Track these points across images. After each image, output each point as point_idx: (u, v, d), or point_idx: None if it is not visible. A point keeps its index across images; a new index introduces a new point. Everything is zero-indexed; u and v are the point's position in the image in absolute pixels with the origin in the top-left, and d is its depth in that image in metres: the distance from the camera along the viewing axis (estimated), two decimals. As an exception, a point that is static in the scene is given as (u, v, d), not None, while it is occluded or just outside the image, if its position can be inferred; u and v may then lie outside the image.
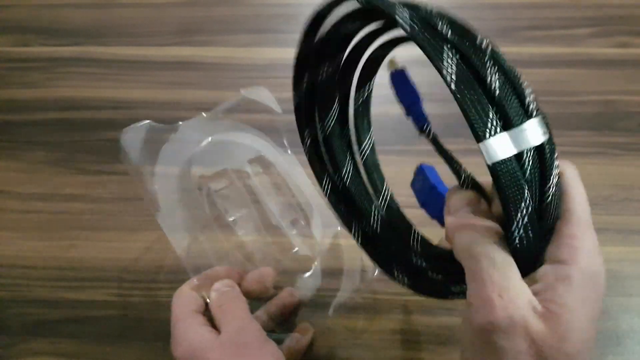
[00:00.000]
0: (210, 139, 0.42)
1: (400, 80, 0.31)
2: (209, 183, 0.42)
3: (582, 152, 0.46)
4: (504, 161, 0.22)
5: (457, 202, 0.24)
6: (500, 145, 0.22)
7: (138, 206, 0.45)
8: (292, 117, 0.37)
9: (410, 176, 0.46)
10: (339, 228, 0.41)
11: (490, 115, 0.22)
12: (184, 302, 0.34)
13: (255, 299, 0.36)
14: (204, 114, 0.41)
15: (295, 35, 0.53)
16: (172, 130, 0.40)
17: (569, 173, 0.25)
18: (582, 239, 0.23)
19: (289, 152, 0.43)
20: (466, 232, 0.24)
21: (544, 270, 0.23)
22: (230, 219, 0.42)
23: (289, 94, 0.50)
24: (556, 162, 0.24)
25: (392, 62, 0.31)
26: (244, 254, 0.41)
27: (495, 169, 0.22)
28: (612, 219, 0.43)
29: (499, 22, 0.53)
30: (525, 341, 0.21)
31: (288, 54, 0.52)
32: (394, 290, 0.41)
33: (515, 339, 0.21)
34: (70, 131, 0.49)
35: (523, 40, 0.52)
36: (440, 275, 0.29)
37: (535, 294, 0.22)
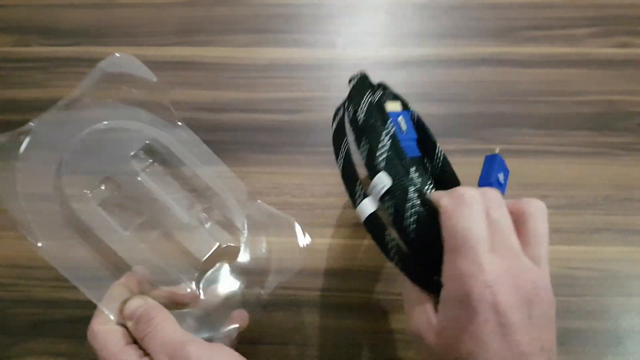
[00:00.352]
0: (78, 136, 0.34)
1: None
2: (88, 195, 0.34)
3: (582, 152, 0.46)
4: (368, 218, 0.30)
5: None
6: (363, 208, 0.30)
7: (138, 206, 0.45)
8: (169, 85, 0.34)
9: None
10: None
11: (356, 188, 0.31)
12: (105, 342, 0.30)
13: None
14: (58, 104, 0.34)
15: (295, 35, 0.54)
16: (24, 135, 0.32)
17: (443, 206, 0.27)
18: (448, 267, 0.26)
19: (180, 124, 0.37)
20: None
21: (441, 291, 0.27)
22: (127, 233, 0.34)
23: (289, 93, 0.50)
24: (410, 203, 0.28)
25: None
26: (156, 265, 0.34)
27: (365, 225, 0.30)
28: (612, 219, 0.43)
29: (499, 22, 0.53)
30: (426, 349, 0.27)
31: (288, 54, 0.52)
32: (393, 290, 0.41)
33: (420, 346, 0.27)
34: (70, 131, 0.49)
35: (523, 40, 0.52)
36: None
37: (437, 311, 0.27)
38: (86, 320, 0.41)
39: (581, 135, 0.47)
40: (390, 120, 0.32)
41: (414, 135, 0.36)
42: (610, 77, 0.50)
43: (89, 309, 0.41)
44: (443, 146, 0.46)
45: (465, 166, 0.44)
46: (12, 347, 0.40)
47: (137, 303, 0.31)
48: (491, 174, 0.35)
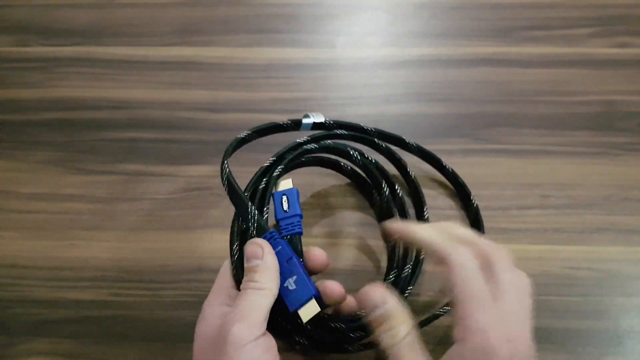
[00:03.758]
0: None
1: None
2: None
3: (582, 152, 0.46)
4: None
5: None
6: None
7: (138, 206, 0.45)
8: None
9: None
10: None
11: None
12: (221, 275, 0.33)
13: None
14: None
15: (295, 35, 0.54)
16: None
17: (453, 260, 0.28)
18: (471, 318, 0.26)
19: None
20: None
21: (453, 348, 0.26)
22: None
23: (288, 94, 0.50)
24: None
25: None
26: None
27: None
28: (612, 219, 0.43)
29: (499, 22, 0.53)
30: None
31: (288, 54, 0.53)
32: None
33: None
34: (70, 131, 0.49)
35: (523, 40, 0.52)
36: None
37: None
38: (86, 320, 0.41)
39: (581, 135, 0.47)
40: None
41: (297, 211, 0.36)
42: (610, 77, 0.50)
43: (89, 309, 0.42)
44: (442, 146, 0.46)
45: (465, 166, 0.45)
46: (12, 347, 0.40)
47: (253, 251, 0.31)
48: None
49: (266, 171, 0.38)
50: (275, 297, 0.30)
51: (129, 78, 0.52)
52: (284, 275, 0.30)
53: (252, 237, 0.32)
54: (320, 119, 0.41)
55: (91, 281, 0.42)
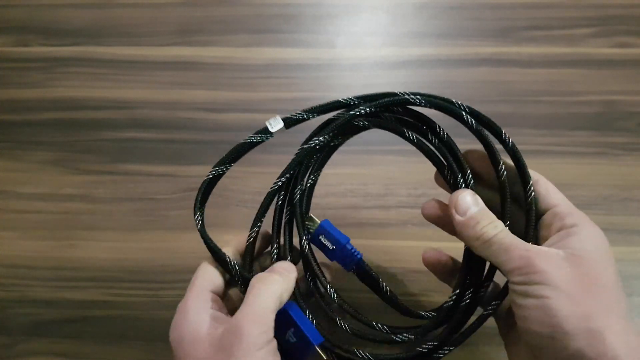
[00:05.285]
0: None
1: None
2: None
3: (582, 152, 0.46)
4: None
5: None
6: None
7: (138, 206, 0.45)
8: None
9: (410, 176, 0.46)
10: None
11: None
12: (200, 277, 0.31)
13: None
14: None
15: (295, 35, 0.54)
16: None
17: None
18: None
19: None
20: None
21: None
22: None
23: (289, 94, 0.50)
24: None
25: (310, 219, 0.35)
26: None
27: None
28: (612, 219, 0.43)
29: (499, 22, 0.53)
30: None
31: (288, 54, 0.53)
32: (394, 290, 0.41)
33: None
34: (70, 131, 0.49)
35: (523, 40, 0.52)
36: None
37: None
38: (86, 320, 0.41)
39: (581, 135, 0.47)
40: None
41: (341, 243, 0.33)
42: (610, 77, 0.50)
43: (89, 309, 0.42)
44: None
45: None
46: (12, 347, 0.40)
47: (282, 266, 0.32)
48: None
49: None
50: (291, 292, 0.31)
51: (129, 78, 0.52)
52: (282, 328, 0.29)
53: (239, 282, 0.32)
54: (279, 123, 0.36)
55: (91, 281, 0.42)
